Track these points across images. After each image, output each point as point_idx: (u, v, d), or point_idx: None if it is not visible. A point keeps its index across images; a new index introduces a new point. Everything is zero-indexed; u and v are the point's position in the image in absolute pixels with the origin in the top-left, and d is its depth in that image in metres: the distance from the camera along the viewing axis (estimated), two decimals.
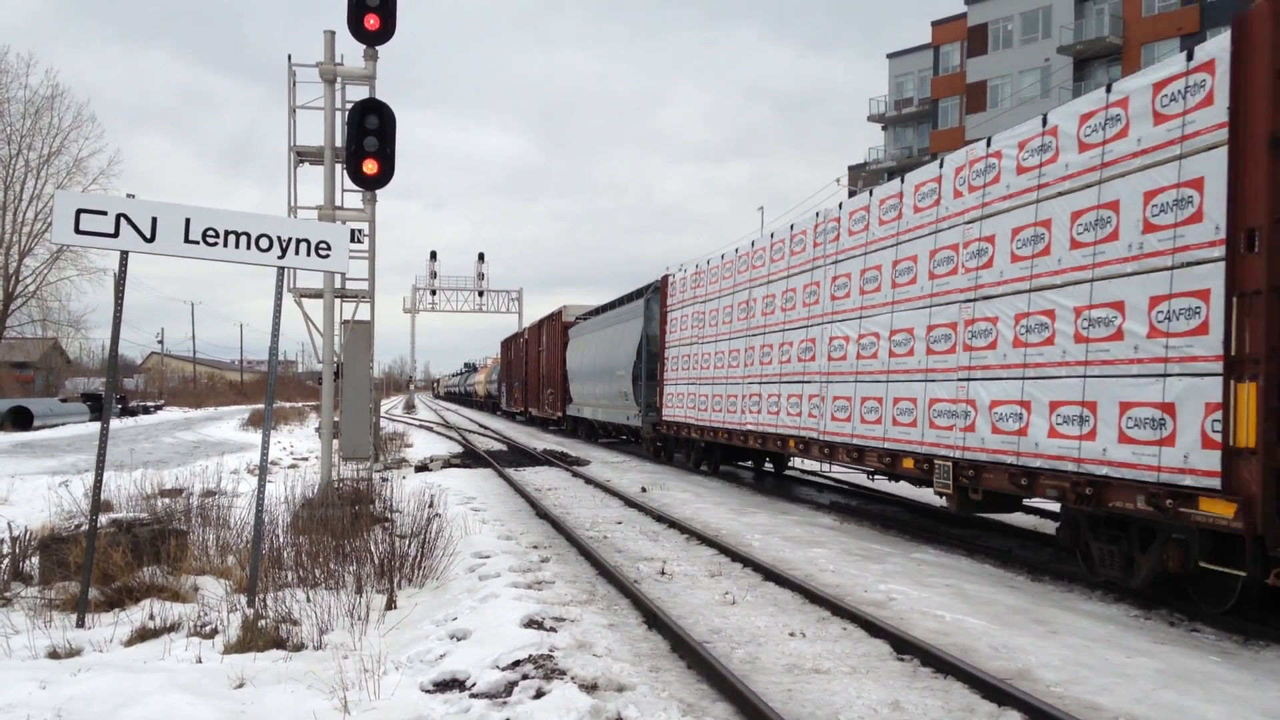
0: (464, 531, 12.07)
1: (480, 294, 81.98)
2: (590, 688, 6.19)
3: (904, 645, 7.21)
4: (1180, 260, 7.99)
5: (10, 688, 6.09)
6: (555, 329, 37.52)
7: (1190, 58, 8.08)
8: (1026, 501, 11.15)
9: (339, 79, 14.58)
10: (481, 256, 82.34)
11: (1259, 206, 7.32)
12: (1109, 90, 9.04)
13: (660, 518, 14.09)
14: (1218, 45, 7.77)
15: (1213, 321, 7.60)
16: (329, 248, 8.82)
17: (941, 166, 11.81)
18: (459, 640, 7.28)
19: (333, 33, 14.44)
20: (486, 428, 44.64)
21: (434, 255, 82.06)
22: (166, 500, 12.70)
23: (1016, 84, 58.56)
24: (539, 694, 6.05)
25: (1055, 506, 10.38)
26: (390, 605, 8.64)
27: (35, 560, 9.20)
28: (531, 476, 20.60)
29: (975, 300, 10.77)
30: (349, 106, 14.24)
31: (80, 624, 7.76)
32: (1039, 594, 9.45)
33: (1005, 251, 10.31)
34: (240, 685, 6.34)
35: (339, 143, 14.46)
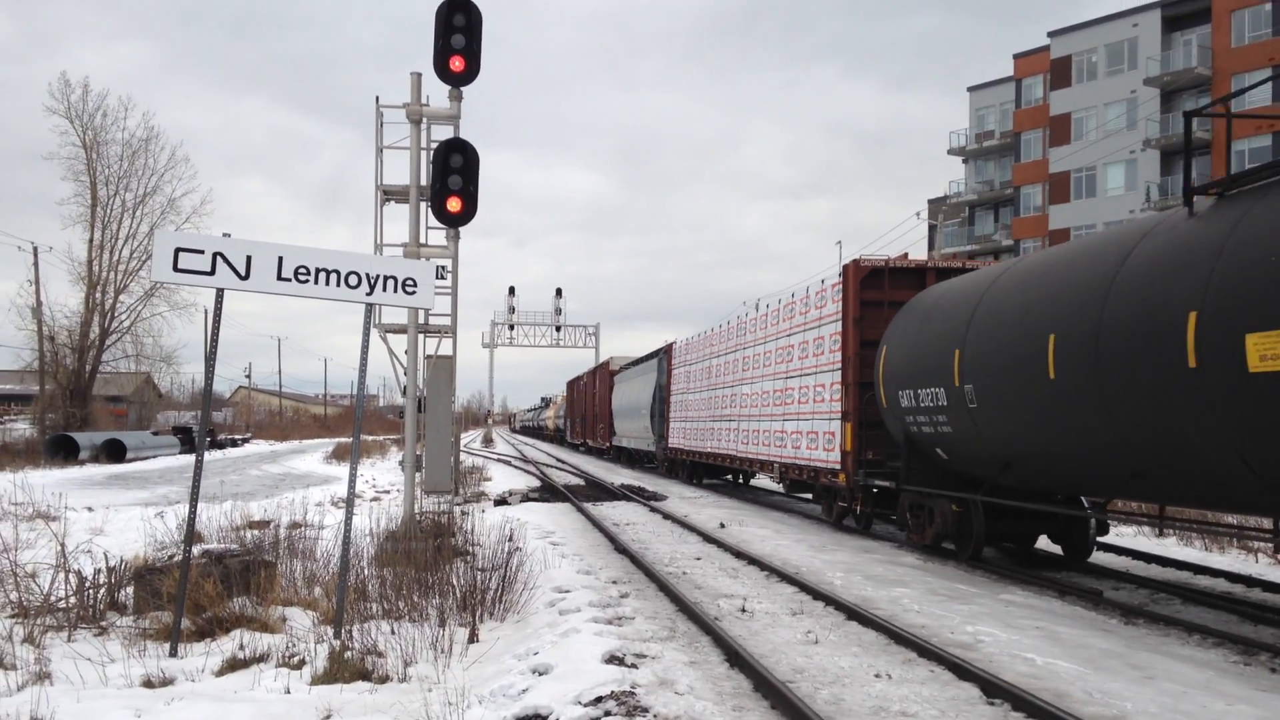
0: (543, 566, 12.11)
1: (557, 329, 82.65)
2: None
3: (994, 689, 7.04)
4: (830, 366, 17.32)
5: (106, 716, 6.24)
6: (604, 375, 45.78)
7: (828, 281, 17.90)
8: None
9: (425, 119, 14.88)
10: (559, 292, 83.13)
11: (851, 346, 16.55)
12: (816, 285, 18.59)
13: (739, 554, 14.00)
14: (837, 278, 17.22)
15: (843, 398, 16.66)
16: (415, 284, 8.97)
17: (779, 302, 20.75)
18: (541, 675, 7.29)
19: (419, 75, 14.76)
20: (562, 461, 44.90)
21: (512, 290, 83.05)
22: (255, 532, 12.98)
23: (1102, 116, 57.69)
24: None
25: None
26: (472, 638, 8.69)
27: (130, 590, 9.44)
28: (609, 511, 20.61)
29: (787, 380, 19.78)
30: (434, 146, 14.52)
31: (173, 653, 7.93)
32: (1133, 638, 9.18)
33: (790, 358, 19.68)
34: (327, 716, 6.42)
35: (424, 181, 14.74)
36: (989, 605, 10.57)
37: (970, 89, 70.62)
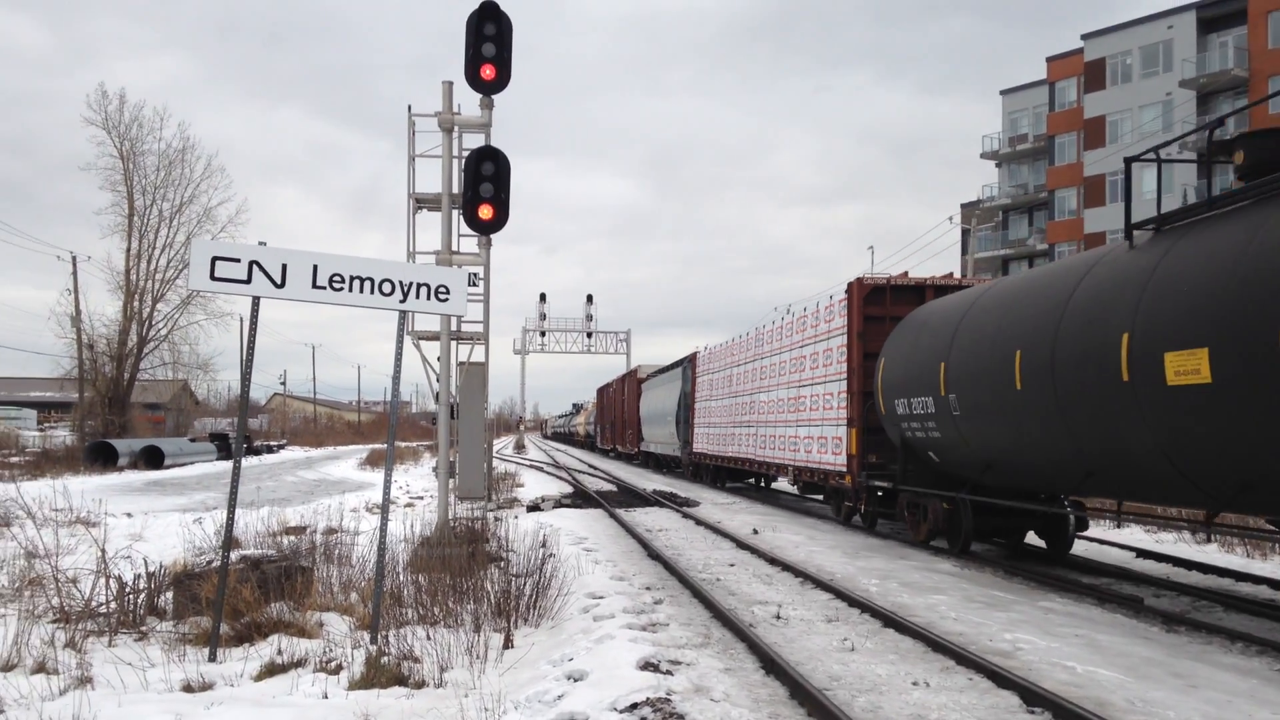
0: (577, 572, 12.11)
1: (589, 335, 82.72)
2: None
3: (1034, 697, 6.97)
4: (837, 376, 18.46)
5: None
6: (632, 383, 47.10)
7: (835, 298, 18.95)
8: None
9: (456, 127, 14.96)
10: (590, 298, 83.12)
11: (855, 358, 17.78)
12: (825, 301, 19.74)
13: (773, 560, 13.94)
14: (844, 294, 18.31)
15: (848, 407, 17.89)
16: (448, 291, 9.02)
17: (793, 316, 22.16)
18: (576, 681, 7.29)
19: (450, 83, 14.84)
20: (594, 467, 44.95)
21: (543, 297, 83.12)
22: (291, 538, 13.08)
23: (1137, 119, 57.16)
24: None
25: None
26: (507, 644, 8.70)
27: (169, 595, 9.53)
28: (642, 517, 20.60)
29: (801, 388, 21.04)
30: (466, 154, 14.60)
31: (212, 658, 8.00)
32: (1175, 646, 9.06)
33: (802, 368, 20.95)
34: None
35: (456, 189, 14.81)
36: (1027, 612, 10.47)
37: (1003, 92, 70.20)
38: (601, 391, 63.95)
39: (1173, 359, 9.11)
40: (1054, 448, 11.59)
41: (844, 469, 18.18)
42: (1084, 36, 60.29)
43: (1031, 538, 15.51)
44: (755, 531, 17.71)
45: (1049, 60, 64.59)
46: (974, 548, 15.02)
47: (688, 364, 34.03)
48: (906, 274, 18.75)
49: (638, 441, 45.13)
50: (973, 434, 13.47)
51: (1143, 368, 9.51)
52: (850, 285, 18.31)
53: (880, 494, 17.50)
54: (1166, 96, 55.71)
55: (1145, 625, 10.05)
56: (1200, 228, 9.70)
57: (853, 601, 10.74)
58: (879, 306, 17.99)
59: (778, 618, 10.04)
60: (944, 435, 14.26)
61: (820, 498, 22.14)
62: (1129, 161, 11.10)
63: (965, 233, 58.74)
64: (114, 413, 47.32)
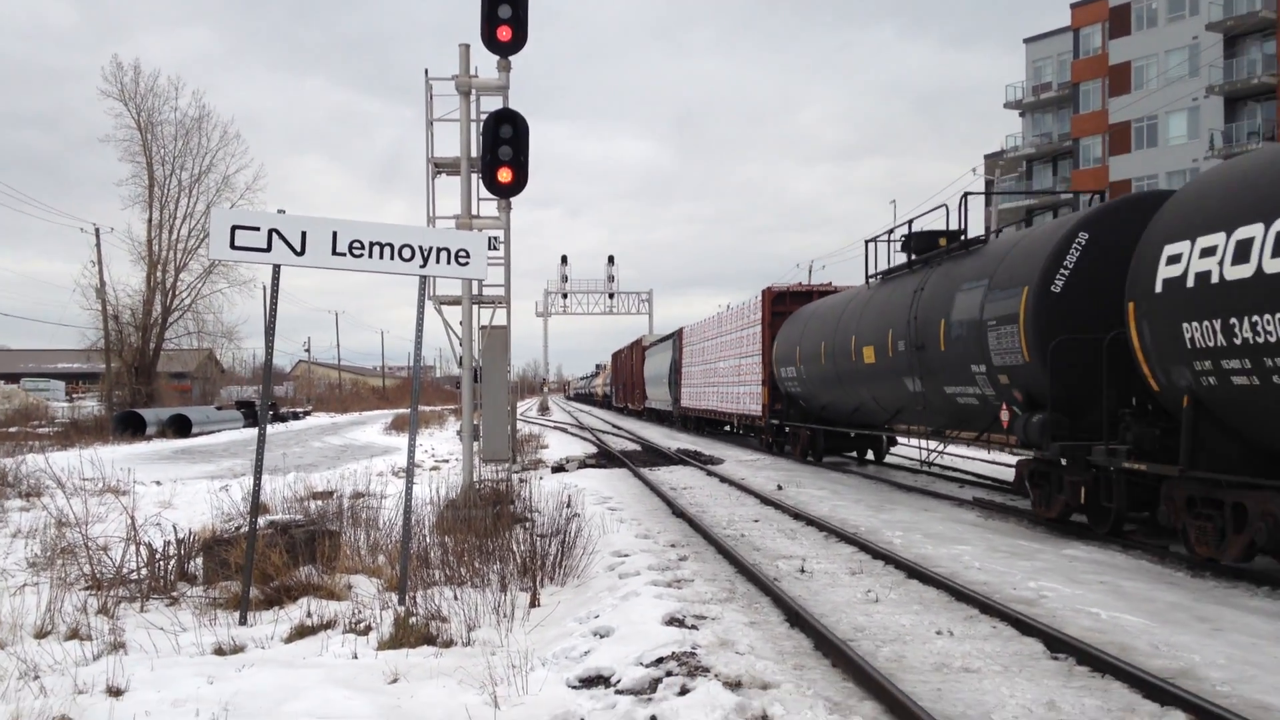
0: (602, 531, 12.19)
1: (610, 296, 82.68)
2: (734, 685, 6.18)
3: (1058, 643, 6.99)
4: (757, 352, 27.25)
5: (180, 683, 6.39)
6: (638, 350, 56.72)
7: (755, 299, 28.20)
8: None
9: (474, 90, 14.88)
10: (611, 259, 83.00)
11: (766, 341, 26.55)
12: (750, 300, 28.83)
13: (797, 515, 13.99)
14: (757, 297, 27.78)
15: (762, 372, 26.65)
16: (468, 255, 9.01)
17: (732, 309, 31.56)
18: (602, 638, 7.36)
19: (467, 46, 14.74)
20: (617, 427, 45.18)
21: (564, 259, 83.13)
22: (318, 502, 13.20)
23: (1163, 64, 56.24)
24: (683, 691, 6.07)
25: None
26: (534, 603, 8.79)
27: (199, 561, 9.65)
28: (666, 476, 20.69)
29: (741, 359, 29.07)
30: (484, 118, 14.54)
31: (243, 621, 8.11)
32: (1200, 590, 9.06)
33: (737, 347, 29.73)
34: (394, 680, 6.54)
35: (475, 153, 14.77)
36: (1051, 560, 10.48)
37: (1026, 40, 69.18)
38: (615, 356, 72.29)
39: (866, 350, 18.46)
40: (843, 399, 21.14)
41: (760, 414, 27.36)
42: None
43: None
44: (779, 488, 17.76)
45: (1073, 7, 63.53)
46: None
47: (676, 337, 41.85)
48: (801, 284, 29.60)
49: (642, 400, 54.02)
50: (812, 392, 23.06)
51: (859, 355, 18.82)
52: (763, 292, 27.42)
53: (781, 428, 26.30)
54: (1193, 40, 54.76)
55: (1170, 571, 10.05)
56: (893, 278, 18.69)
57: (876, 554, 10.78)
58: (782, 305, 26.62)
59: (802, 571, 10.09)
60: (802, 390, 23.72)
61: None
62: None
63: (989, 184, 58.15)
64: (141, 382, 47.71)
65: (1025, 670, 6.58)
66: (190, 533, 10.32)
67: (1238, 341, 8.90)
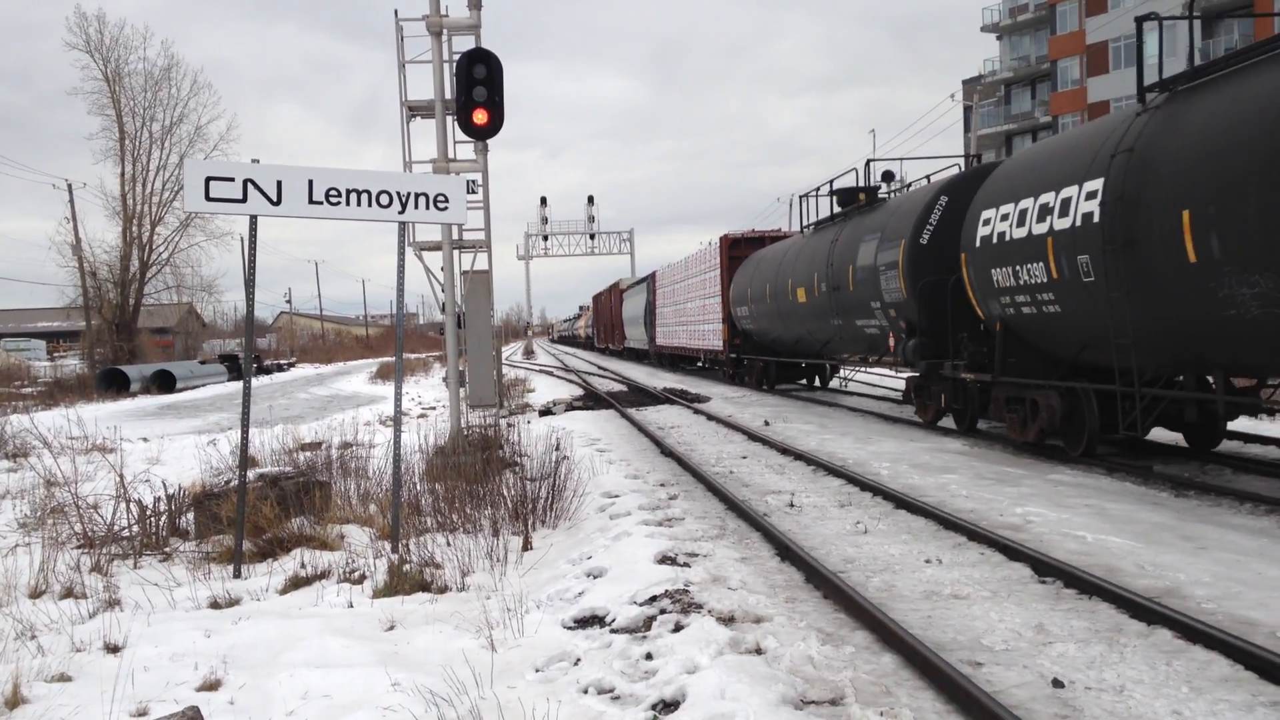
0: (591, 473, 12.24)
1: (592, 237, 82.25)
2: (728, 620, 6.25)
3: (1045, 567, 7.09)
4: (717, 294, 30.56)
5: (177, 637, 6.43)
6: (616, 293, 58.96)
7: (713, 244, 31.79)
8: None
9: (445, 30, 14.67)
10: (591, 200, 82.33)
11: (725, 283, 29.76)
12: (710, 246, 32.02)
13: (785, 450, 14.07)
14: (717, 242, 31.08)
15: (722, 311, 29.73)
16: (447, 200, 8.92)
17: (696, 253, 34.85)
18: (595, 578, 7.43)
19: None
20: (603, 368, 45.20)
21: (544, 201, 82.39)
22: (307, 453, 13.21)
23: None
24: (678, 628, 6.14)
25: None
26: (526, 546, 8.84)
27: (190, 516, 9.66)
28: (653, 415, 20.75)
29: (705, 300, 32.51)
30: (457, 59, 14.33)
31: (237, 575, 8.15)
32: (1184, 510, 9.18)
33: (701, 289, 33.12)
34: (391, 627, 6.60)
35: (449, 95, 14.58)
36: (1037, 486, 10.59)
37: None
38: (596, 298, 74.26)
39: (799, 291, 21.72)
40: (786, 334, 24.24)
41: (720, 348, 30.61)
42: None
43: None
44: (767, 424, 17.85)
45: None
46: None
47: (650, 279, 44.70)
48: (754, 230, 31.32)
49: (622, 340, 57.32)
50: (762, 328, 26.26)
51: (793, 295, 22.17)
52: (720, 238, 30.64)
53: (739, 360, 29.32)
54: None
55: (1154, 491, 10.17)
56: (821, 229, 21.96)
57: (864, 485, 10.87)
58: (738, 250, 29.74)
59: (791, 505, 10.17)
60: (755, 327, 26.90)
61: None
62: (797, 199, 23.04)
63: (967, 110, 57.81)
64: (122, 339, 47.45)
65: (1014, 595, 6.67)
66: (180, 488, 10.32)
67: (1020, 282, 12.25)
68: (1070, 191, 11.11)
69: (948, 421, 15.98)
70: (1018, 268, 12.20)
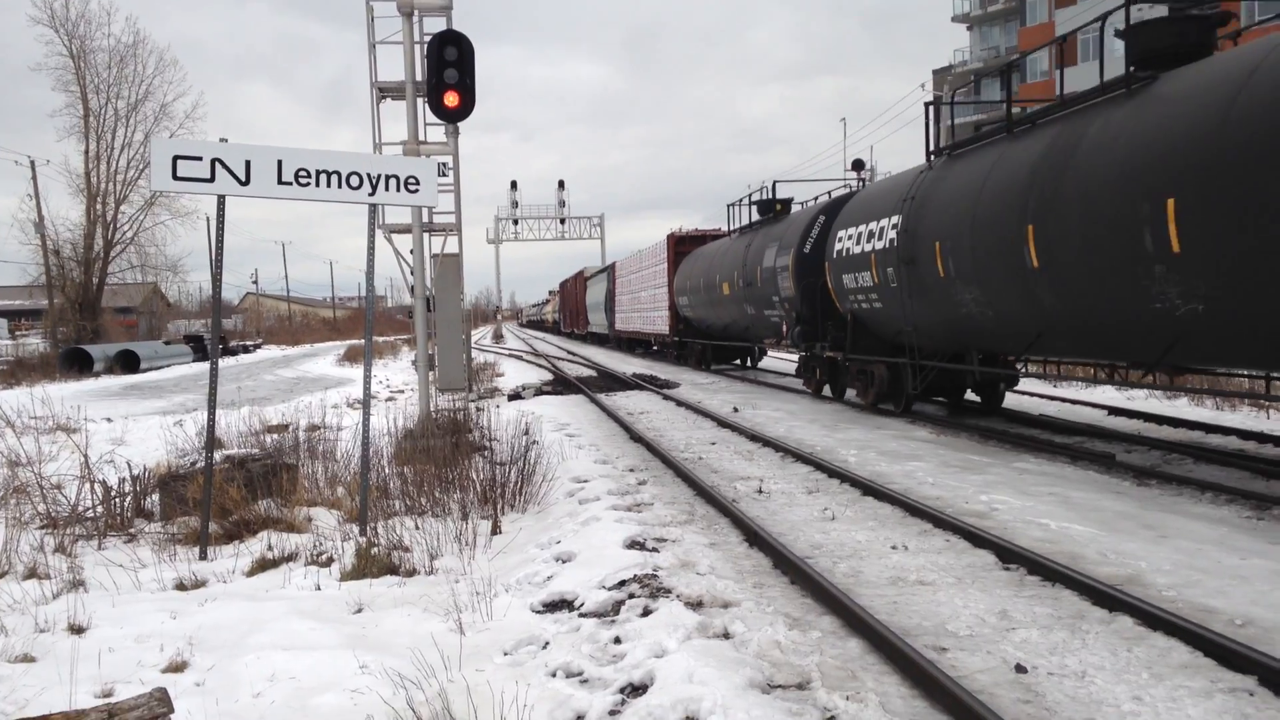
0: (561, 457, 12.25)
1: (562, 222, 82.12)
2: (696, 605, 6.29)
3: (1009, 555, 7.17)
4: (664, 285, 34.17)
5: (143, 618, 6.39)
6: (580, 280, 62.34)
7: (660, 242, 35.57)
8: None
9: (416, 11, 14.56)
10: (561, 184, 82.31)
11: (670, 275, 33.38)
12: (660, 242, 35.51)
13: (754, 437, 14.13)
14: (665, 241, 34.60)
15: (669, 300, 33.52)
16: (418, 183, 8.89)
17: (649, 248, 38.02)
18: (564, 563, 7.45)
19: None
20: (573, 353, 45.22)
21: (514, 185, 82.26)
22: (274, 436, 13.12)
23: None
24: (646, 612, 6.17)
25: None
26: (495, 530, 8.85)
27: (156, 497, 9.59)
28: (623, 401, 20.76)
29: (655, 290, 35.97)
30: (428, 40, 14.23)
31: (203, 556, 8.10)
32: (1146, 499, 9.31)
33: (652, 280, 36.50)
34: (359, 610, 6.59)
35: (420, 77, 14.48)
36: (1002, 474, 10.70)
37: None
38: (563, 285, 76.85)
39: (724, 285, 25.59)
40: (716, 321, 27.90)
41: (667, 333, 34.06)
42: None
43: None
44: (735, 410, 17.91)
45: None
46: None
47: (610, 269, 48.10)
48: (697, 229, 34.64)
49: (585, 325, 60.70)
50: (699, 315, 29.80)
51: (720, 288, 26.00)
52: (668, 236, 34.20)
53: (682, 343, 32.76)
54: None
55: (1117, 480, 10.30)
56: (744, 234, 25.77)
57: (832, 472, 10.93)
58: (684, 246, 33.31)
59: (760, 492, 10.22)
60: (694, 315, 30.40)
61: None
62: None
63: (937, 98, 58.02)
64: (86, 318, 46.88)
65: (978, 581, 6.75)
66: (145, 469, 10.24)
67: (858, 286, 16.56)
68: (885, 222, 15.48)
69: (858, 398, 17.27)
70: (857, 275, 16.49)
